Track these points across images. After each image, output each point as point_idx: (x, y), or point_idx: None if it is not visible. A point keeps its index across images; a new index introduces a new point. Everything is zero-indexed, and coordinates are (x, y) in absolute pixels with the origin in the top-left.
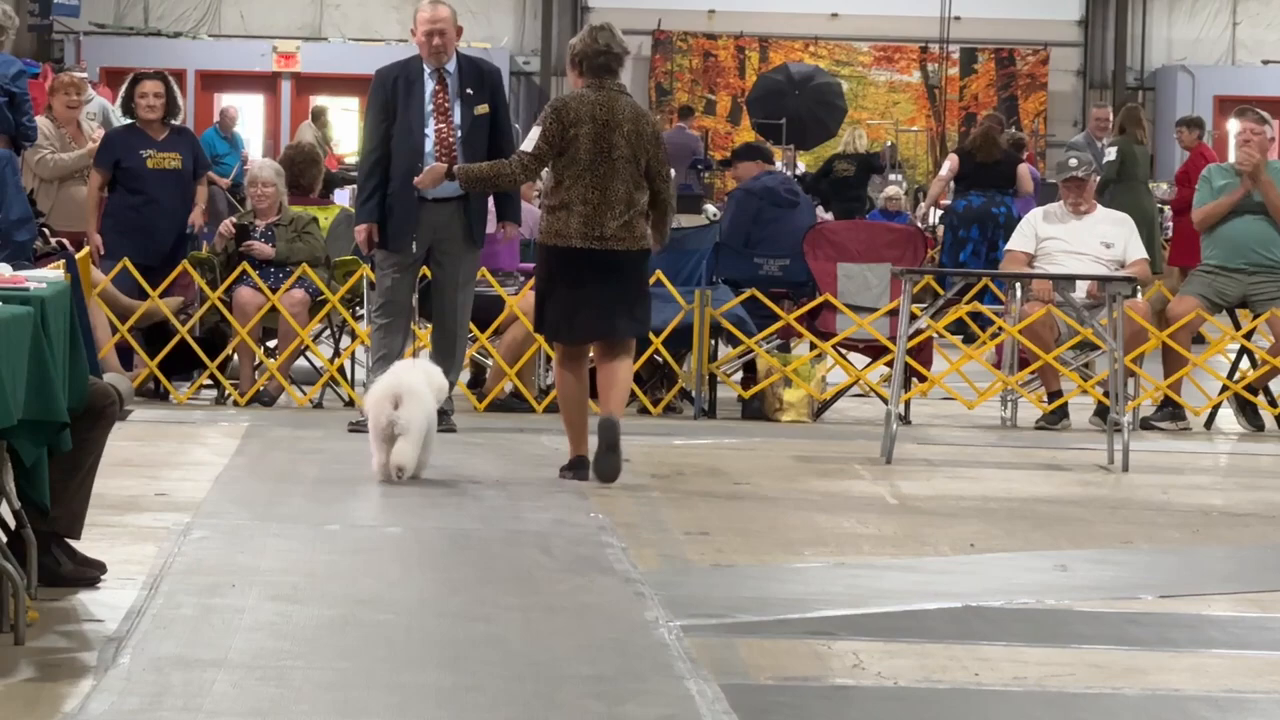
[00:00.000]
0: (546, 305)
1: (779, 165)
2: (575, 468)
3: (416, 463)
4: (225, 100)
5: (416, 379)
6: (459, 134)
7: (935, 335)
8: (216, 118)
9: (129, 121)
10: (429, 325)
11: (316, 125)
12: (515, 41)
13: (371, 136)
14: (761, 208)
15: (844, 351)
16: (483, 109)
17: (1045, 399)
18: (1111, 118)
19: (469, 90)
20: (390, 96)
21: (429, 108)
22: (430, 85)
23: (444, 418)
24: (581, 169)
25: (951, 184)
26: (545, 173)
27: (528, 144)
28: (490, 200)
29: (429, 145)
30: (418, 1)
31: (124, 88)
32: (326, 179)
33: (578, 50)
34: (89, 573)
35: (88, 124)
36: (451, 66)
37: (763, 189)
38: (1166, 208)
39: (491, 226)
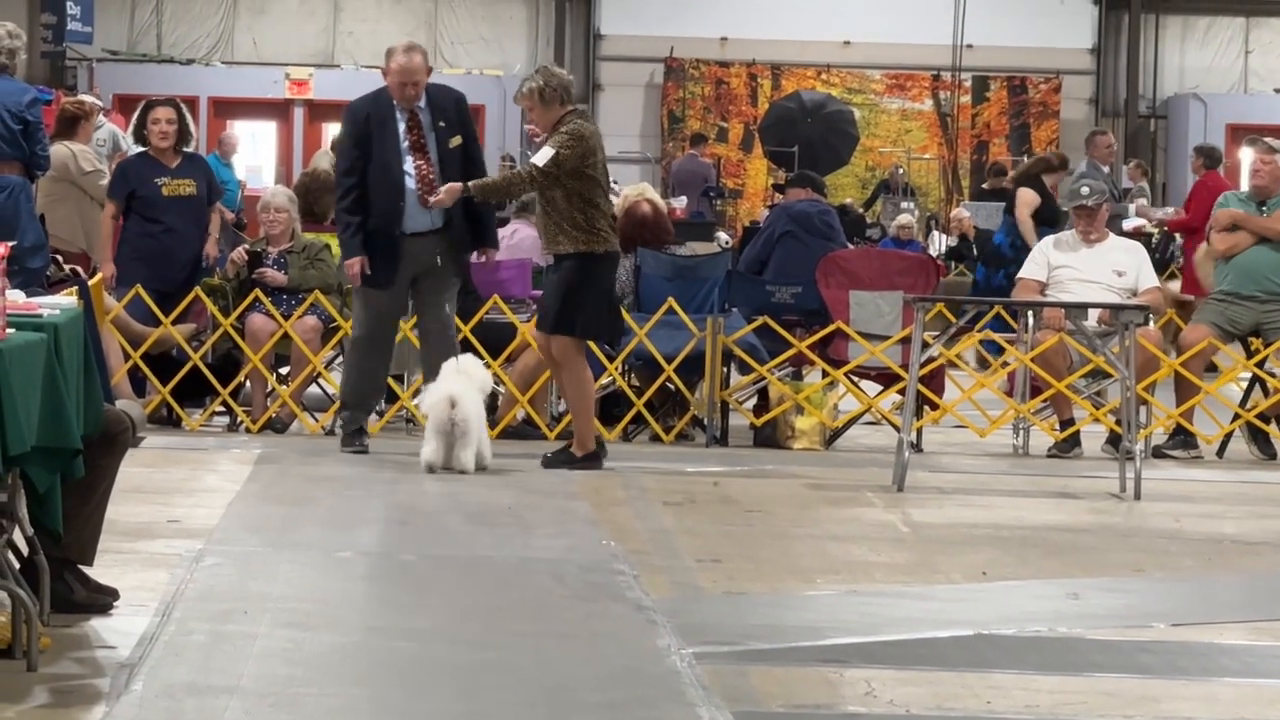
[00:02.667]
0: (593, 308)
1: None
2: (600, 456)
3: (475, 460)
4: (239, 128)
5: (466, 383)
6: (436, 169)
7: (948, 363)
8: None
9: (140, 150)
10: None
11: (334, 154)
12: (528, 68)
13: (351, 171)
14: (791, 230)
15: (856, 379)
16: (456, 141)
17: (1057, 427)
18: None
19: (442, 123)
20: (364, 132)
21: (404, 144)
22: (402, 123)
23: None
24: (602, 188)
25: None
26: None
27: (540, 160)
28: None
29: (410, 183)
30: (430, 29)
31: (136, 115)
32: None
33: (555, 85)
34: (101, 599)
35: (98, 150)
36: (422, 103)
37: (798, 212)
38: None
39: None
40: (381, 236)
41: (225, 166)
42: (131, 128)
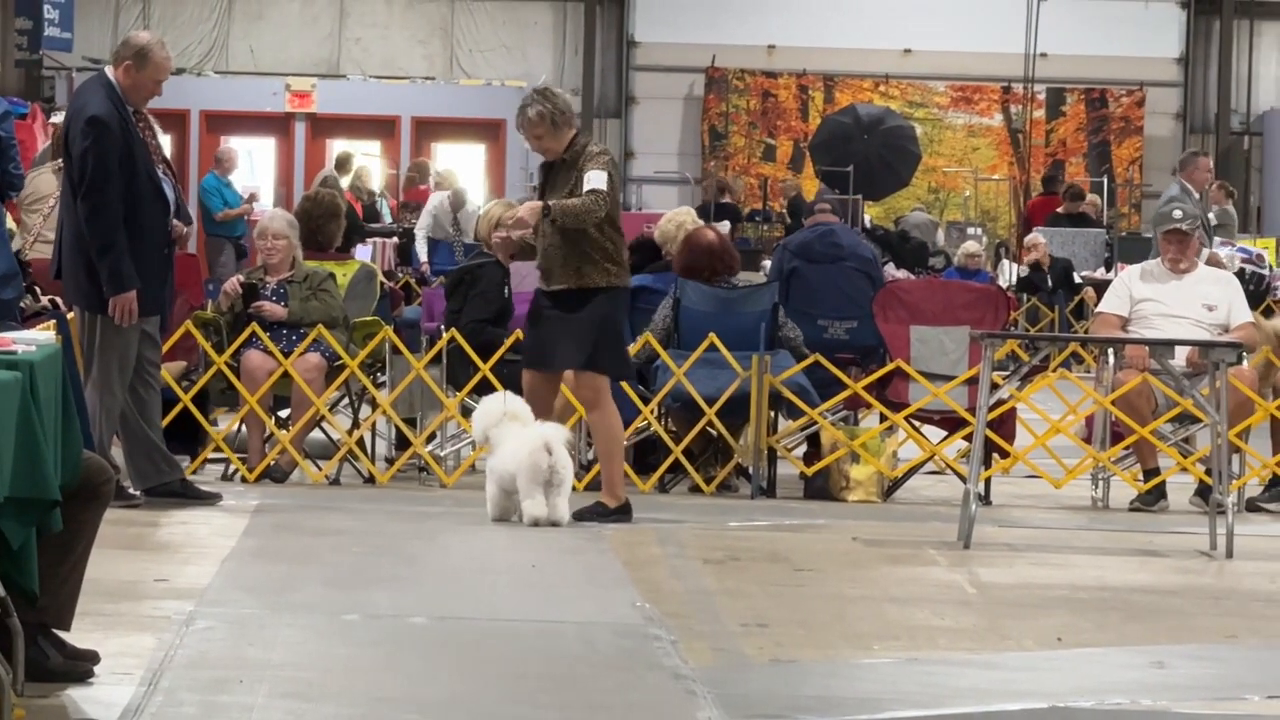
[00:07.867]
0: (620, 345)
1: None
2: (630, 510)
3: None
4: (234, 144)
5: (553, 426)
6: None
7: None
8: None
9: None
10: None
11: (341, 174)
12: (554, 79)
13: (118, 187)
14: (795, 266)
15: (917, 424)
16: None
17: (1140, 477)
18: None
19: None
20: (119, 145)
21: (152, 153)
22: (139, 128)
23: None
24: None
25: None
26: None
27: (600, 184)
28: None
29: (172, 195)
30: (446, 35)
31: None
32: (348, 230)
33: (563, 107)
34: (80, 666)
35: None
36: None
37: (798, 244)
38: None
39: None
40: (155, 260)
41: (226, 186)
42: None
